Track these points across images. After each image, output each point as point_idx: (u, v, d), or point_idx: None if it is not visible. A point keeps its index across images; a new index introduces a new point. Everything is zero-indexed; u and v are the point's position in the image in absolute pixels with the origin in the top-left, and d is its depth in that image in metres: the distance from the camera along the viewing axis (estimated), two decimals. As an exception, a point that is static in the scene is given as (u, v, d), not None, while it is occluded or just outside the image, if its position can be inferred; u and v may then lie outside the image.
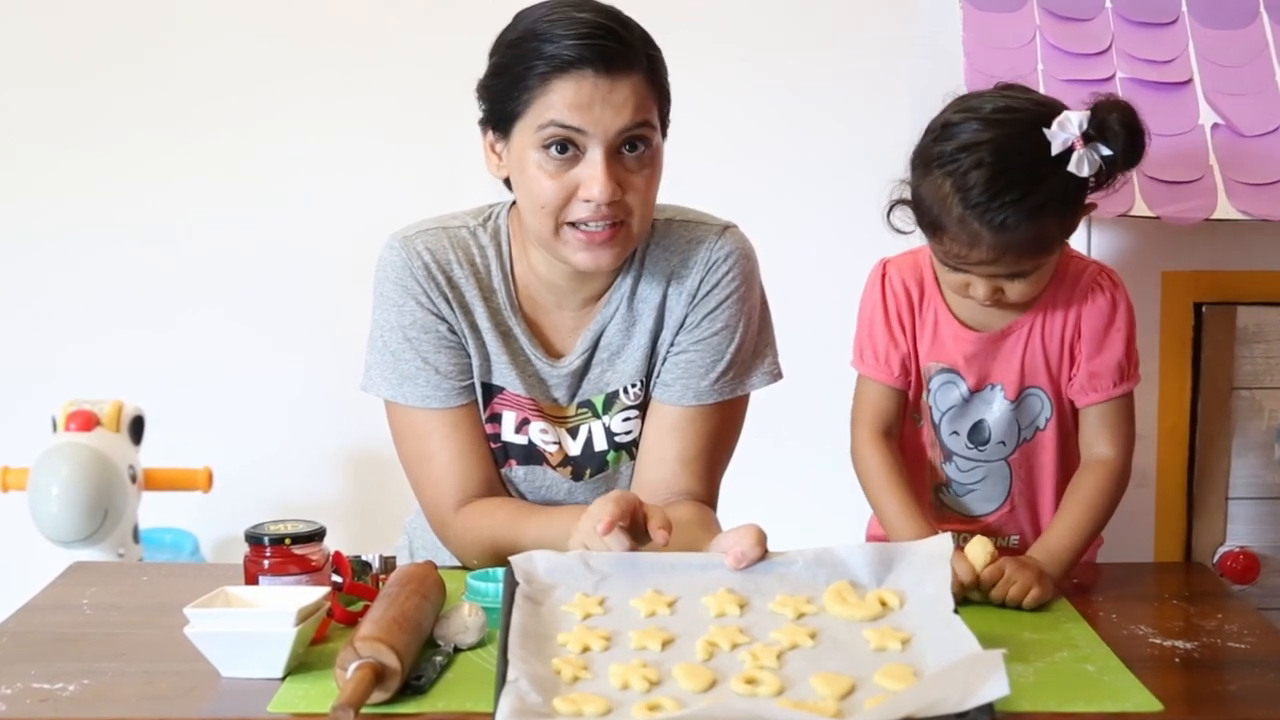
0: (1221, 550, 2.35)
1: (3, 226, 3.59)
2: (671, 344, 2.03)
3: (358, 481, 3.61)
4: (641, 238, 1.98)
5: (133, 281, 3.58)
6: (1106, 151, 1.85)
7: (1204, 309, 2.32)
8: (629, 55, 1.87)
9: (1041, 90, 2.16)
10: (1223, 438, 2.33)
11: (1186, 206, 2.22)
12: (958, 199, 1.84)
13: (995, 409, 2.01)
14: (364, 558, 1.85)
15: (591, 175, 1.86)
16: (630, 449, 2.06)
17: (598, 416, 2.05)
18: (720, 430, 2.05)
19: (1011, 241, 1.84)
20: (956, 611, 1.59)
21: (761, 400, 2.12)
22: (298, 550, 1.73)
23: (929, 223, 1.90)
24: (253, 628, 1.58)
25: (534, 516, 1.96)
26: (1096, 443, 2.00)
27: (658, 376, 2.04)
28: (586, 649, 1.56)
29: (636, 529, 1.74)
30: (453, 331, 2.01)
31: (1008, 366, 2.00)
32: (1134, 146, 1.87)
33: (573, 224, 1.90)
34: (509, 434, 2.04)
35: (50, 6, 3.53)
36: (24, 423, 3.36)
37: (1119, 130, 1.85)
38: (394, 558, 1.87)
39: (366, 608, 1.69)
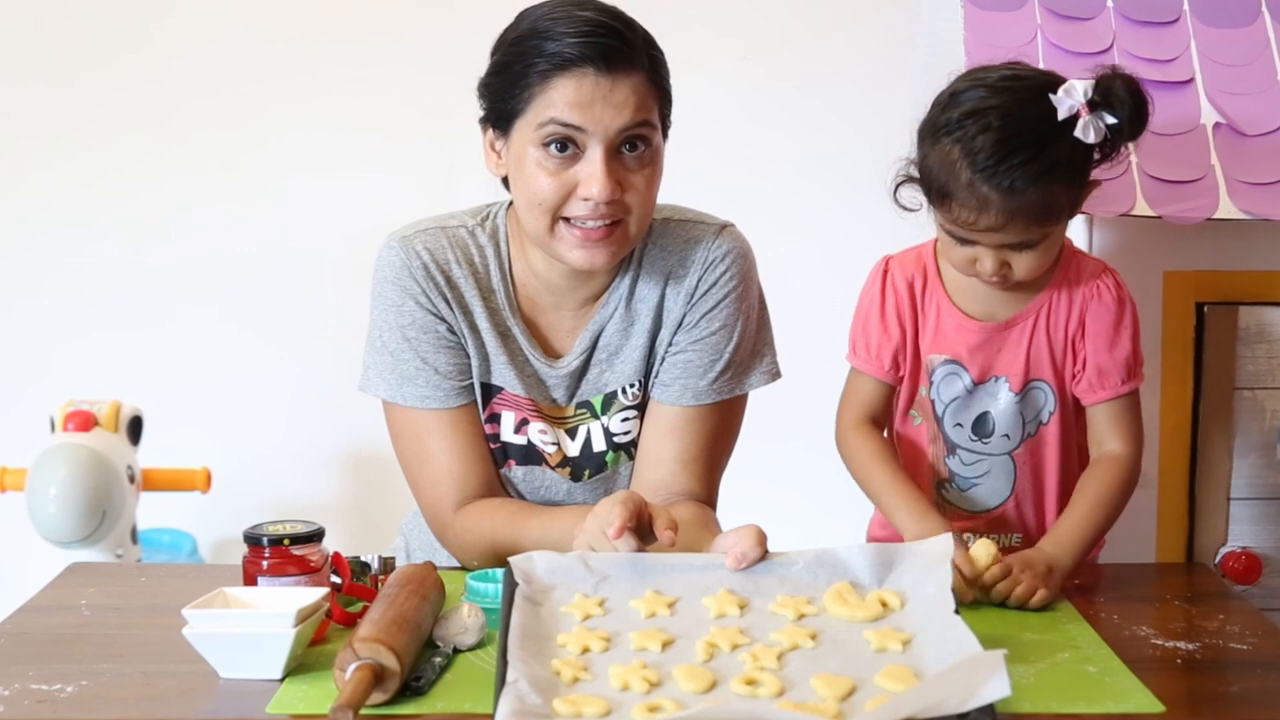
0: (1223, 551, 2.35)
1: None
2: (670, 344, 2.03)
3: (357, 482, 3.60)
4: (639, 238, 1.97)
5: (131, 281, 3.58)
6: (1112, 119, 1.88)
7: (1206, 309, 2.32)
8: (630, 54, 1.87)
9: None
10: (1224, 438, 2.33)
11: (1188, 206, 2.22)
12: (966, 163, 1.86)
13: (1000, 401, 2.02)
14: (363, 558, 1.85)
15: (591, 174, 1.86)
16: (629, 449, 2.06)
17: (596, 417, 2.05)
18: (719, 430, 2.05)
19: (1020, 205, 1.86)
20: (957, 612, 1.58)
21: (761, 400, 2.12)
22: (296, 551, 1.73)
23: (937, 190, 1.91)
24: (251, 629, 1.58)
25: (535, 517, 1.95)
26: (1107, 439, 2.01)
27: (656, 376, 2.04)
28: (586, 650, 1.55)
29: (642, 529, 1.74)
30: (452, 331, 2.00)
31: (1013, 358, 2.01)
32: (1139, 114, 1.90)
33: (569, 221, 1.89)
34: (508, 434, 2.04)
35: (46, 3, 3.52)
36: (22, 423, 3.36)
37: (1125, 97, 1.88)
38: (393, 558, 1.87)
39: (365, 608, 1.69)
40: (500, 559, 1.81)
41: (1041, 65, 2.33)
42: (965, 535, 1.92)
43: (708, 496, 2.05)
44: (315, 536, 1.74)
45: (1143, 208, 2.21)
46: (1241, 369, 2.33)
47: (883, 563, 1.70)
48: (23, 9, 3.53)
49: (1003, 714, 1.43)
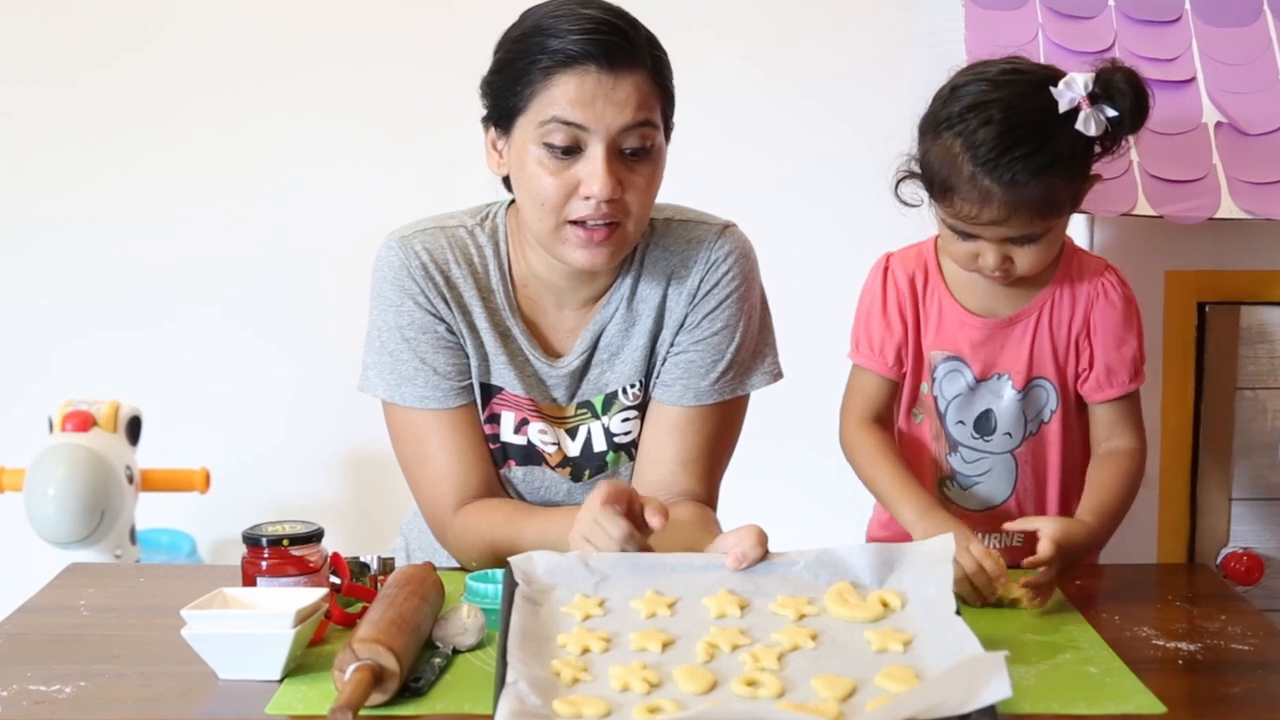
0: (1225, 551, 2.35)
1: (-1, 225, 3.59)
2: (671, 344, 2.02)
3: (356, 482, 3.60)
4: (638, 238, 1.97)
5: (130, 281, 3.57)
6: (1112, 112, 1.88)
7: (1207, 309, 2.32)
8: (633, 52, 1.87)
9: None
10: (1226, 438, 2.33)
11: (1190, 205, 2.22)
12: (968, 157, 1.86)
13: (1003, 399, 2.02)
14: (362, 559, 1.85)
15: (592, 172, 1.86)
16: (629, 449, 2.05)
17: (597, 417, 2.04)
18: (720, 431, 2.04)
19: (1022, 199, 1.86)
20: (959, 613, 1.58)
21: (761, 401, 2.11)
22: (295, 551, 1.72)
23: (939, 185, 1.91)
24: (250, 629, 1.58)
25: (533, 516, 1.95)
26: (1114, 436, 2.02)
27: (657, 377, 2.03)
28: (586, 650, 1.55)
29: (634, 518, 1.73)
30: (451, 332, 2.00)
31: (1016, 356, 2.01)
32: (1139, 107, 1.91)
33: (572, 222, 1.89)
34: (508, 434, 2.03)
35: (46, 3, 3.52)
36: (20, 423, 3.35)
37: (1125, 89, 1.89)
38: (392, 559, 1.87)
39: (365, 609, 1.69)
40: (499, 559, 1.80)
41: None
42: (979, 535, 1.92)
43: (708, 497, 2.05)
44: (314, 537, 1.74)
45: (1144, 207, 2.21)
46: (1243, 369, 2.32)
47: (884, 563, 1.69)
48: (22, 9, 3.52)
49: (1004, 715, 1.43)
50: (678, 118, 1.98)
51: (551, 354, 2.03)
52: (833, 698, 1.45)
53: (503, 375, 2.02)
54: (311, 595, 1.63)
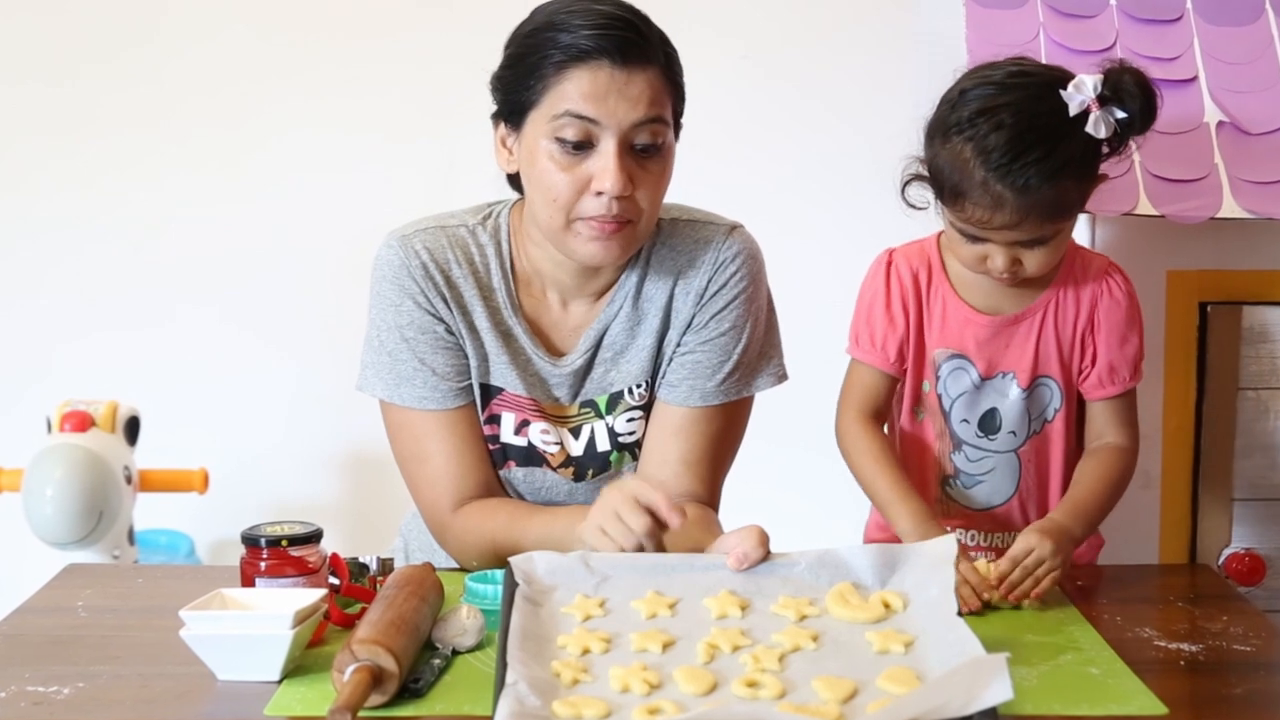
0: (1227, 552, 2.35)
1: (-3, 224, 3.58)
2: (678, 344, 2.02)
3: (355, 483, 3.59)
4: (648, 235, 1.97)
5: (128, 280, 3.56)
6: (1122, 114, 1.88)
7: (1209, 309, 2.32)
8: (646, 48, 1.87)
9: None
10: (1227, 438, 2.33)
11: (1191, 205, 2.22)
12: (979, 163, 1.86)
13: (1008, 397, 2.02)
14: (361, 559, 1.84)
15: (604, 168, 1.85)
16: (633, 449, 2.05)
17: (601, 416, 2.04)
18: (725, 432, 2.04)
19: (1034, 203, 1.86)
20: (960, 614, 1.57)
21: (762, 401, 2.11)
22: (294, 552, 1.72)
23: (949, 190, 1.91)
24: (249, 630, 1.57)
25: (536, 516, 1.94)
26: (1108, 433, 2.03)
27: (663, 377, 2.03)
28: (586, 651, 1.55)
29: (655, 517, 1.74)
30: (450, 332, 1.99)
31: (1021, 354, 2.01)
32: (1149, 107, 1.91)
33: (583, 219, 1.88)
34: (508, 435, 2.03)
35: (45, 2, 3.51)
36: (18, 423, 3.34)
37: (1134, 90, 1.89)
38: (391, 559, 1.87)
39: (364, 610, 1.68)
40: (500, 560, 1.80)
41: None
42: (973, 555, 1.92)
43: (711, 498, 2.05)
44: (313, 538, 1.74)
45: (1146, 207, 2.21)
46: (1245, 369, 2.32)
47: (885, 564, 1.69)
48: (22, 8, 3.51)
49: (1005, 717, 1.43)
50: (678, 117, 1.97)
51: (554, 353, 2.03)
52: (834, 699, 1.45)
53: (503, 375, 2.01)
54: (310, 596, 1.63)
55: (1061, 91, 1.87)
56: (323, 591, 1.66)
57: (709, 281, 2.01)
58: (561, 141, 1.86)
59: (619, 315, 2.02)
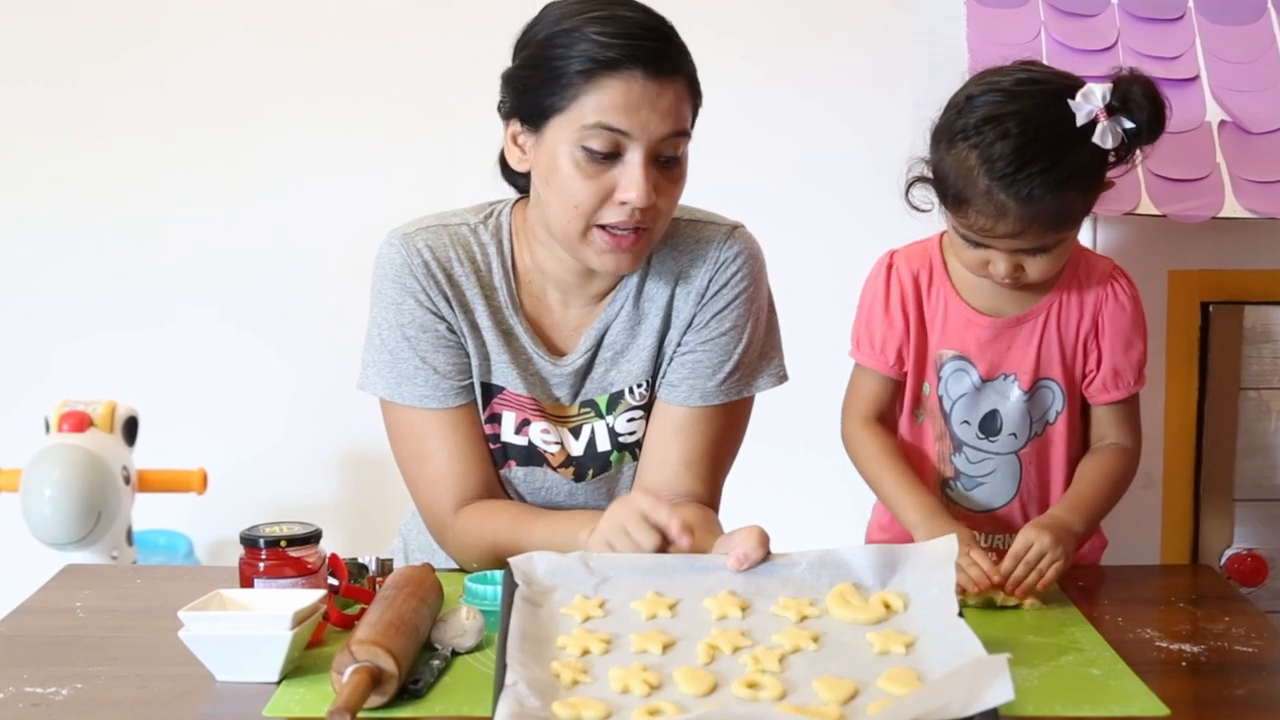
0: (1229, 552, 2.34)
1: (-4, 224, 3.58)
2: (679, 344, 2.01)
3: (354, 483, 3.59)
4: (658, 242, 1.96)
5: (126, 280, 3.56)
6: (1129, 124, 1.88)
7: (1211, 308, 2.31)
8: (677, 59, 1.86)
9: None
10: (1229, 438, 2.33)
11: (1193, 204, 2.21)
12: (984, 171, 1.85)
13: (1010, 400, 2.01)
14: (360, 560, 1.84)
15: (631, 179, 1.84)
16: (634, 449, 2.04)
17: (601, 416, 2.03)
18: (725, 432, 2.03)
19: (1038, 213, 1.85)
20: (961, 615, 1.57)
21: (762, 402, 2.10)
22: (293, 553, 1.71)
23: (953, 197, 1.90)
24: (248, 631, 1.57)
25: (539, 520, 1.94)
26: (1112, 435, 2.03)
27: (663, 377, 2.02)
28: (586, 652, 1.54)
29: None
30: (452, 331, 1.99)
31: (1023, 356, 2.00)
32: (1157, 118, 1.90)
33: (601, 226, 1.87)
34: (508, 435, 2.02)
35: (44, 1, 3.51)
36: (16, 423, 3.34)
37: (1143, 102, 1.88)
38: (391, 560, 1.87)
39: (363, 611, 1.68)
40: (500, 562, 1.79)
41: (1045, 63, 2.32)
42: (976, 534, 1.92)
43: (711, 499, 2.04)
44: (312, 538, 1.73)
45: (1147, 206, 2.21)
46: (1247, 369, 2.32)
47: (886, 564, 1.69)
48: (22, 8, 3.51)
49: (1006, 718, 1.42)
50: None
51: (555, 352, 2.02)
52: (834, 700, 1.44)
53: (504, 375, 2.00)
54: (309, 597, 1.63)
55: (1069, 101, 1.86)
56: (322, 592, 1.66)
57: (710, 281, 2.00)
58: (589, 151, 1.84)
59: (620, 315, 2.01)
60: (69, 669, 1.62)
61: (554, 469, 2.03)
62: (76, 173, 3.54)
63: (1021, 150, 1.83)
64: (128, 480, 3.14)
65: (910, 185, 1.98)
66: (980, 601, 1.83)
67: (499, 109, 1.96)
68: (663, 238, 2.00)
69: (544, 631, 1.58)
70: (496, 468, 2.03)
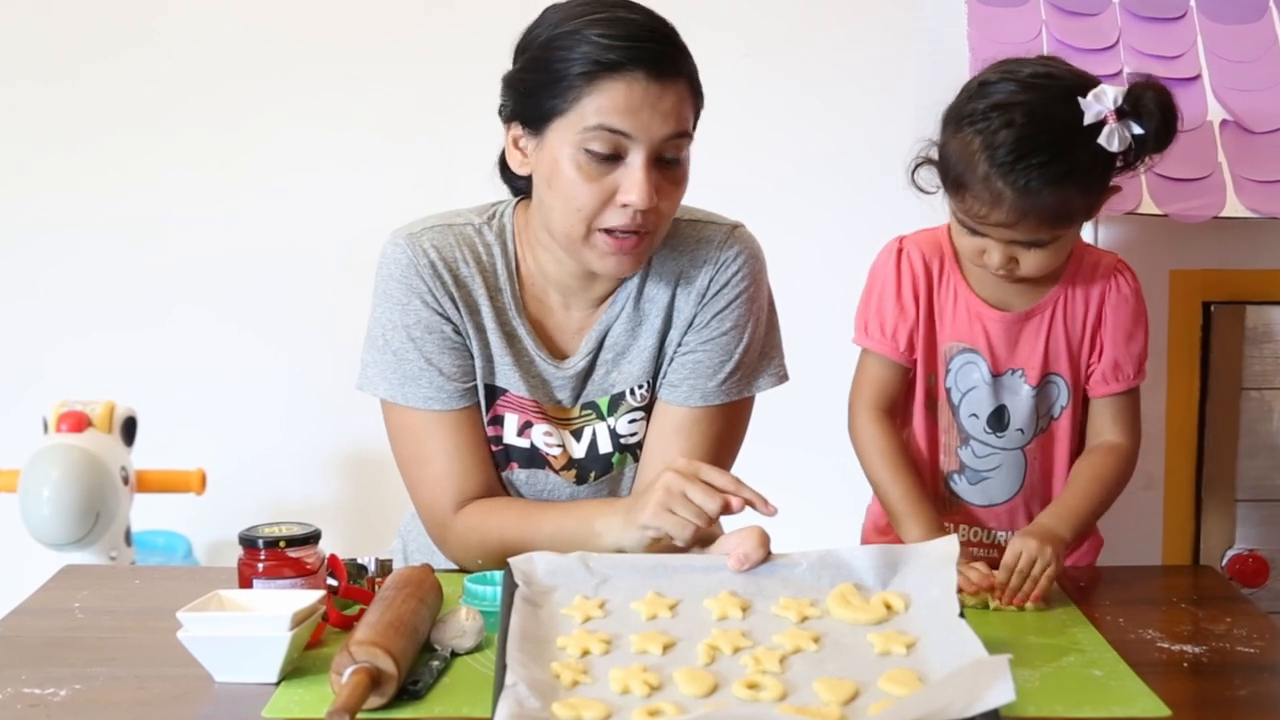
0: (1230, 553, 2.34)
1: (-6, 224, 3.57)
2: (679, 344, 2.01)
3: (354, 483, 3.59)
4: (659, 244, 1.95)
5: (125, 280, 3.56)
6: (1138, 130, 1.87)
7: (1213, 308, 2.31)
8: (679, 61, 1.85)
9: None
10: (1231, 439, 2.33)
11: (1195, 204, 2.21)
12: (984, 156, 1.86)
13: (1019, 395, 2.02)
14: (360, 560, 1.84)
15: (633, 181, 1.84)
16: (635, 450, 2.04)
17: (603, 418, 2.03)
18: (725, 432, 2.03)
19: (1033, 206, 1.85)
20: (962, 616, 1.57)
21: (762, 402, 2.10)
22: (292, 553, 1.71)
23: (953, 179, 1.91)
24: (247, 632, 1.57)
25: (547, 512, 1.93)
26: (1108, 431, 2.03)
27: (664, 377, 2.02)
28: (586, 653, 1.54)
29: None
30: (457, 332, 1.98)
31: (1031, 351, 2.01)
32: (1167, 127, 1.90)
33: (605, 230, 1.87)
34: (511, 437, 2.02)
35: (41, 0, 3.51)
36: (14, 424, 3.34)
37: (1154, 109, 1.88)
38: (390, 560, 1.86)
39: (362, 611, 1.68)
40: (506, 559, 1.79)
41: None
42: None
43: (711, 499, 2.03)
44: (311, 538, 1.73)
45: (1149, 206, 2.20)
46: (1248, 369, 2.32)
47: (887, 564, 1.68)
48: (19, 6, 3.51)
49: (1007, 718, 1.41)
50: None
51: (557, 355, 2.02)
52: (835, 701, 1.44)
53: (507, 377, 2.00)
54: (308, 597, 1.63)
55: (1080, 99, 1.85)
56: (321, 593, 1.65)
57: (710, 281, 1.99)
58: (590, 153, 1.84)
59: (620, 316, 2.01)
60: (67, 670, 1.62)
61: (556, 471, 2.03)
62: (75, 172, 3.53)
63: (1024, 141, 1.84)
64: (126, 481, 3.14)
65: (917, 166, 1.97)
66: (978, 603, 1.82)
67: (500, 112, 1.96)
68: (664, 238, 2.00)
69: (544, 632, 1.58)
70: (498, 470, 2.03)
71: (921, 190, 1.98)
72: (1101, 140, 1.85)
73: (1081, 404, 2.03)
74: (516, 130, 1.93)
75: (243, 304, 3.57)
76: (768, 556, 1.69)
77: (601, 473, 2.03)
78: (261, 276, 3.55)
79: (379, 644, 1.49)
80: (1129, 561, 2.19)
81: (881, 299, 2.03)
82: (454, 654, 1.64)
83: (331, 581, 1.76)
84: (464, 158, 2.26)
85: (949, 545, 1.67)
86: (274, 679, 1.57)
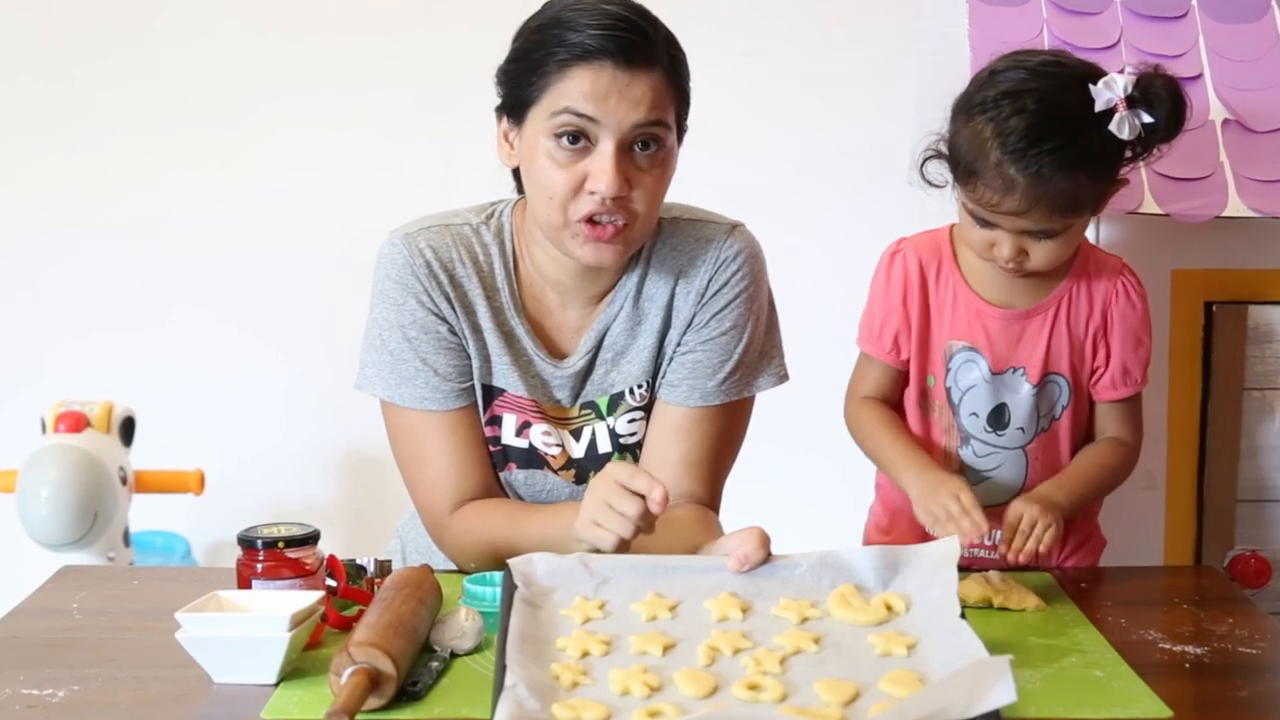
0: (1232, 553, 2.34)
1: (-8, 224, 3.57)
2: (679, 344, 2.00)
3: (353, 483, 3.59)
4: (645, 238, 1.95)
5: (123, 280, 3.55)
6: (1148, 118, 1.89)
7: (1214, 308, 2.31)
8: (651, 50, 1.85)
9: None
10: (1233, 439, 2.33)
11: (1197, 204, 2.21)
12: (996, 144, 1.87)
13: (1019, 394, 2.03)
14: (359, 561, 1.84)
15: (600, 168, 1.84)
16: (635, 450, 2.04)
17: (602, 418, 2.02)
18: (725, 432, 2.03)
19: (1045, 193, 1.86)
20: (963, 616, 1.56)
21: (763, 402, 2.10)
22: (291, 554, 1.71)
23: (964, 168, 1.92)
24: (245, 633, 1.57)
25: (533, 516, 1.93)
26: (1112, 430, 2.05)
27: (663, 377, 2.02)
28: (586, 654, 1.54)
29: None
30: (453, 332, 1.98)
31: (1032, 349, 2.02)
32: (1176, 116, 1.91)
33: (580, 219, 1.87)
34: (509, 437, 2.01)
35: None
36: (12, 424, 3.34)
37: (1165, 97, 1.90)
38: (389, 561, 1.86)
39: (361, 612, 1.68)
40: (498, 561, 1.79)
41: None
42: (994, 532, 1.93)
43: (711, 499, 2.03)
44: (310, 539, 1.73)
45: (1150, 205, 2.20)
46: (1250, 369, 2.32)
47: (888, 565, 1.68)
48: (16, 5, 3.50)
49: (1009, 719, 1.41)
50: (679, 115, 1.96)
51: (556, 354, 2.02)
52: (835, 702, 1.44)
53: (505, 377, 2.00)
54: (307, 598, 1.62)
55: (1091, 86, 1.87)
56: (320, 594, 1.65)
57: (710, 280, 1.99)
58: (559, 138, 1.85)
59: (619, 315, 2.00)
60: (65, 671, 1.61)
61: (555, 472, 2.03)
62: (72, 172, 3.53)
63: (1035, 127, 1.85)
64: (125, 481, 3.13)
65: (925, 160, 1.98)
66: (980, 601, 1.82)
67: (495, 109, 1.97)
68: (663, 237, 2.00)
69: (543, 633, 1.58)
70: (496, 470, 2.02)
71: (930, 184, 1.98)
72: (1112, 127, 1.86)
73: (1084, 405, 2.03)
74: (505, 123, 1.95)
75: (242, 304, 3.57)
76: (768, 557, 1.69)
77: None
78: (261, 276, 3.55)
79: (378, 645, 1.48)
80: (1130, 562, 2.19)
81: (874, 302, 2.06)
82: (453, 655, 1.63)
83: (330, 582, 1.76)
84: (463, 158, 2.26)
85: (949, 546, 1.67)
86: (273, 680, 1.57)
